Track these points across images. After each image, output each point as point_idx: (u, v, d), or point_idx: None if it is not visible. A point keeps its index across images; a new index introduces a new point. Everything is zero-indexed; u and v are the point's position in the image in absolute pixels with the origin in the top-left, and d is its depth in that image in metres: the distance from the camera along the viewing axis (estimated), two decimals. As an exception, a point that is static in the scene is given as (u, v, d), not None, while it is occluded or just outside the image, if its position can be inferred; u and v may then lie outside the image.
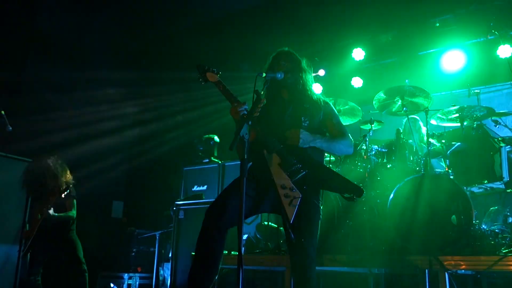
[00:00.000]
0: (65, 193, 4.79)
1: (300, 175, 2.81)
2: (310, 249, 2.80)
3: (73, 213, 4.98)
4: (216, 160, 6.92)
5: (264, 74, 2.94)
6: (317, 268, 3.97)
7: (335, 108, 4.29)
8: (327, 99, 3.23)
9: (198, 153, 7.09)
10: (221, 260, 2.85)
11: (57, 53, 7.02)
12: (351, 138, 3.12)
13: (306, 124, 3.01)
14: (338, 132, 3.10)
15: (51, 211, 4.72)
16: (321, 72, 6.87)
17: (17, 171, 5.21)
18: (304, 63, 3.22)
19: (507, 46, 5.78)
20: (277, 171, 2.82)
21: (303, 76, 3.16)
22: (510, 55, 5.72)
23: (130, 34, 7.46)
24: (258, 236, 5.60)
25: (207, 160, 6.97)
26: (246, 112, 2.79)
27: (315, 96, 3.17)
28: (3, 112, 4.98)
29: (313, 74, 3.41)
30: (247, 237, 5.97)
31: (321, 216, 2.92)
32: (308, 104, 3.10)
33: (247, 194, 2.69)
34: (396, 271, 4.18)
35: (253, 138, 2.83)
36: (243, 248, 5.73)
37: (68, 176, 5.00)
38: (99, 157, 7.51)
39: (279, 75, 3.03)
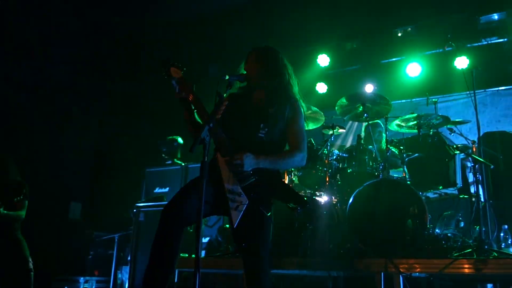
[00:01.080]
0: (22, 193, 4.73)
1: (249, 181, 2.80)
2: (257, 255, 2.78)
3: (23, 213, 4.94)
4: (179, 162, 6.85)
5: (226, 77, 2.89)
6: (276, 271, 4.02)
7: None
8: (300, 101, 3.12)
9: (161, 155, 7.01)
10: (177, 259, 2.81)
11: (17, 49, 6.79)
12: (304, 152, 3.01)
13: (263, 133, 2.95)
14: (294, 144, 3.00)
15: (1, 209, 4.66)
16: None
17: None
18: (280, 60, 3.11)
19: (463, 57, 6.01)
20: (228, 175, 2.80)
21: (274, 76, 3.07)
22: (466, 66, 5.94)
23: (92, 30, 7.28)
24: (219, 239, 5.59)
25: (170, 162, 6.90)
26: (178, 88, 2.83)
27: (286, 98, 3.06)
28: None
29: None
30: (209, 240, 5.95)
31: (271, 222, 2.87)
32: (274, 108, 3.01)
33: (208, 194, 2.67)
34: (354, 274, 4.25)
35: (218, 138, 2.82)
36: (203, 252, 5.73)
37: (17, 174, 4.93)
38: (57, 156, 7.31)
39: (242, 77, 3.01)
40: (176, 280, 4.62)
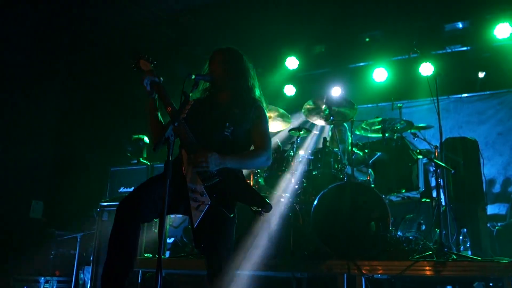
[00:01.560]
0: None
1: (213, 181, 2.78)
2: (219, 255, 2.78)
3: None
4: (145, 162, 6.76)
5: (193, 76, 2.88)
6: (240, 272, 4.01)
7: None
8: (263, 104, 3.14)
9: (126, 154, 6.90)
10: (136, 255, 2.76)
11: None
12: (269, 152, 3.02)
13: (228, 132, 2.94)
14: (259, 144, 3.01)
15: None
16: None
17: None
18: (243, 62, 3.12)
19: (428, 64, 6.17)
20: (191, 174, 2.77)
21: (238, 77, 3.08)
22: (430, 73, 6.10)
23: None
24: (184, 239, 5.55)
25: (136, 161, 6.80)
26: (149, 85, 2.80)
27: (251, 100, 3.07)
28: None
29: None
30: (174, 240, 5.89)
31: (234, 223, 2.87)
32: (239, 109, 3.01)
33: (163, 194, 2.62)
34: (317, 275, 4.29)
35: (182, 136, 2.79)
36: (168, 252, 5.66)
37: None
38: (17, 153, 7.09)
39: (208, 77, 3.01)
40: (139, 281, 4.56)
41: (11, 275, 6.18)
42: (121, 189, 6.65)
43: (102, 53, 7.39)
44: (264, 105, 3.15)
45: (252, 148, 3.09)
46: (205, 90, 3.15)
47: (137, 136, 6.90)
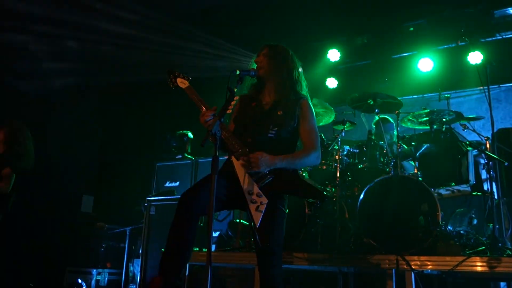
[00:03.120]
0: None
1: (267, 181, 2.82)
2: (274, 251, 2.83)
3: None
4: (189, 157, 6.88)
5: (238, 72, 2.90)
6: (287, 266, 4.03)
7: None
8: (309, 99, 3.14)
9: (171, 149, 7.04)
10: (192, 248, 2.85)
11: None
12: (319, 150, 3.03)
13: (273, 134, 2.96)
14: (308, 142, 3.02)
15: None
16: None
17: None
18: (289, 57, 3.13)
19: (477, 52, 5.93)
20: (244, 176, 2.82)
21: (283, 71, 3.08)
22: (479, 61, 5.87)
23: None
24: (229, 233, 5.60)
25: (180, 156, 6.93)
26: (212, 120, 2.76)
27: (295, 96, 3.08)
28: None
29: None
30: (219, 234, 5.97)
31: (285, 219, 2.93)
32: (283, 110, 3.02)
33: (219, 190, 2.68)
34: (364, 270, 4.24)
35: (228, 138, 2.85)
36: (214, 246, 5.75)
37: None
38: (68, 150, 7.37)
39: (253, 73, 3.03)
40: (187, 274, 4.66)
41: (65, 267, 6.46)
42: (167, 184, 6.81)
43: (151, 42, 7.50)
44: (310, 100, 3.15)
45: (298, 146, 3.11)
46: (251, 86, 3.17)
47: (181, 131, 7.03)
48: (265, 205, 2.74)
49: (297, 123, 3.04)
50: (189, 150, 7.04)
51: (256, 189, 2.79)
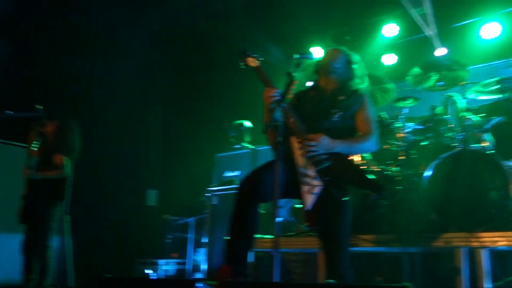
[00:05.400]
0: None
1: (324, 165, 2.82)
2: (335, 241, 2.82)
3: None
4: (248, 146, 6.88)
5: (297, 55, 2.91)
6: (352, 248, 3.92)
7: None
8: (365, 91, 3.22)
9: (229, 139, 7.07)
10: (254, 235, 2.88)
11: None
12: (376, 135, 3.09)
13: (336, 118, 3.01)
14: (365, 129, 3.07)
15: None
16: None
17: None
18: (353, 58, 3.22)
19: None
20: (301, 158, 2.84)
21: (347, 65, 3.17)
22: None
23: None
24: (291, 218, 5.56)
25: (239, 146, 6.94)
26: (279, 97, 2.80)
27: (353, 87, 3.16)
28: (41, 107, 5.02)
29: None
30: (282, 220, 5.94)
31: (349, 206, 2.87)
32: (344, 95, 3.10)
33: (282, 177, 2.67)
34: (433, 250, 4.06)
35: (290, 121, 2.86)
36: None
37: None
38: (132, 146, 7.64)
39: (310, 56, 3.04)
40: (253, 260, 4.68)
41: (134, 258, 6.71)
42: (226, 174, 6.86)
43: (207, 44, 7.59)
44: (369, 98, 3.20)
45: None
46: (311, 73, 3.25)
47: (238, 121, 7.04)
48: (319, 188, 2.73)
49: (356, 113, 3.09)
50: (247, 139, 7.04)
51: (311, 172, 2.80)
